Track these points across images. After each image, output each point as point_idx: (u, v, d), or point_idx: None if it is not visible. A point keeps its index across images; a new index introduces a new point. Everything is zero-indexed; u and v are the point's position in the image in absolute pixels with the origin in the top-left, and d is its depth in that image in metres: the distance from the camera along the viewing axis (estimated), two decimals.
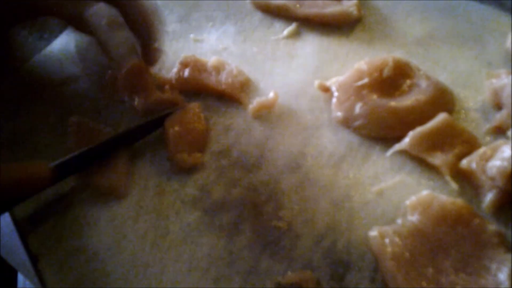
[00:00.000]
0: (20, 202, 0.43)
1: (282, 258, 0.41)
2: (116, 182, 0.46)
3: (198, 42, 0.58)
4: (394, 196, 0.44)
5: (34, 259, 0.43)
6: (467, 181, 0.43)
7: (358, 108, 0.47)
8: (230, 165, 0.47)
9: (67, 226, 0.44)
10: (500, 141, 0.44)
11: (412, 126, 0.46)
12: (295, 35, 0.58)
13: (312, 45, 0.56)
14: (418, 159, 0.45)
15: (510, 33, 0.52)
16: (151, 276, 0.41)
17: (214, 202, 0.45)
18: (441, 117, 0.45)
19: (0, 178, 0.38)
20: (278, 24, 0.59)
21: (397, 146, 0.45)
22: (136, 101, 0.50)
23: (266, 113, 0.50)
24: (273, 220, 0.43)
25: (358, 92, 0.48)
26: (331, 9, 0.57)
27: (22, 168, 0.40)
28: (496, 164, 0.41)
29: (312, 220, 0.43)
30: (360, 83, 0.48)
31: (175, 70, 0.54)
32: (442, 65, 0.53)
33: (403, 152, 0.46)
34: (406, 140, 0.45)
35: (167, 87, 0.52)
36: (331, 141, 0.48)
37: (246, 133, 0.49)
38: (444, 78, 0.51)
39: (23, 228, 0.45)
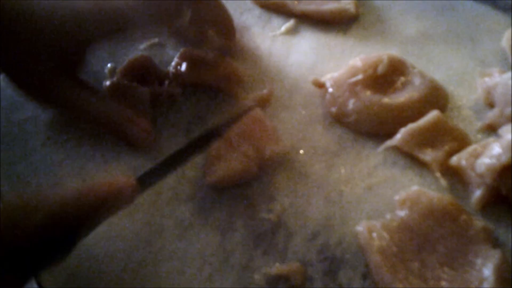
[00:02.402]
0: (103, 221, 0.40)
1: (276, 254, 0.41)
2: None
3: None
4: (385, 191, 0.44)
5: None
6: (456, 177, 0.44)
7: (351, 104, 0.48)
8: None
9: None
10: (490, 139, 0.44)
11: (404, 123, 0.46)
12: (292, 31, 0.58)
13: (309, 41, 0.57)
14: (409, 155, 0.46)
15: (505, 33, 0.52)
16: (145, 274, 0.41)
17: (208, 199, 0.45)
18: (432, 114, 0.45)
19: (87, 197, 0.36)
20: (276, 21, 0.60)
21: (388, 142, 0.46)
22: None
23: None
24: (266, 217, 0.43)
25: (352, 88, 0.49)
26: (329, 6, 0.57)
27: (108, 185, 0.38)
28: (485, 161, 0.41)
29: (305, 216, 0.43)
30: (354, 79, 0.49)
31: (173, 64, 0.54)
32: (436, 63, 0.53)
33: (395, 148, 0.46)
34: (398, 137, 0.45)
35: (166, 82, 0.52)
36: (324, 136, 0.48)
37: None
38: (438, 76, 0.51)
39: None
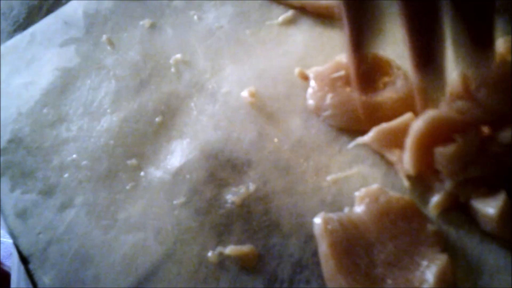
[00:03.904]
0: None
1: (272, 258, 0.42)
2: None
3: (197, 19, 0.60)
4: (350, 187, 0.45)
5: (24, 260, 0.43)
6: (419, 180, 0.44)
7: (328, 99, 0.48)
8: (220, 164, 0.47)
9: (59, 227, 0.44)
10: None
11: (378, 122, 0.46)
12: (290, 22, 0.59)
13: (303, 34, 0.57)
14: (380, 155, 0.46)
15: None
16: (142, 277, 0.42)
17: (205, 202, 0.45)
18: (406, 117, 0.46)
19: None
20: (276, 10, 0.60)
21: (359, 140, 0.46)
22: None
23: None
24: (262, 219, 0.44)
25: (333, 84, 0.49)
26: (326, 1, 0.57)
27: None
28: (448, 167, 0.41)
29: (302, 217, 0.44)
30: (336, 74, 0.49)
31: None
32: None
33: (367, 146, 0.47)
34: (369, 135, 0.46)
35: None
36: (301, 128, 0.49)
37: (237, 130, 0.50)
38: None
39: (15, 229, 0.45)
